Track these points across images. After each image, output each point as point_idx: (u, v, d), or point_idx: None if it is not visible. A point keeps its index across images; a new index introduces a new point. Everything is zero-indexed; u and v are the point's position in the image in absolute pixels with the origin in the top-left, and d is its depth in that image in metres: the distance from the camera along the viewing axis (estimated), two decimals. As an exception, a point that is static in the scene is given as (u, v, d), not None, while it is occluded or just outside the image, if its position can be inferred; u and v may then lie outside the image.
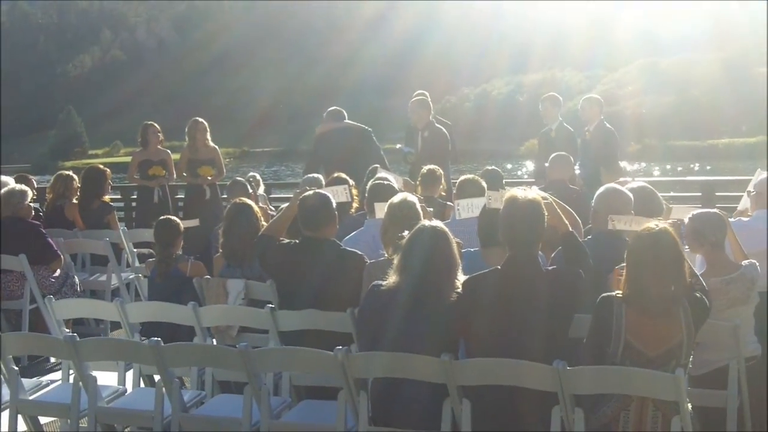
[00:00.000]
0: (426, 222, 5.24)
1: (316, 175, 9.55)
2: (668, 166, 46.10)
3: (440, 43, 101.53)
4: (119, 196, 15.17)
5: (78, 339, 5.43)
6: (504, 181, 9.50)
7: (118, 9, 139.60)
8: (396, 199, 6.06)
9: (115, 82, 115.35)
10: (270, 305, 6.12)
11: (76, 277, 9.42)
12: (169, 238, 7.58)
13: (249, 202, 7.27)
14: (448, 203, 8.59)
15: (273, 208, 9.77)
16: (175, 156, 12.50)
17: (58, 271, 9.14)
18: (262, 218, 7.16)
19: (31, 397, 5.90)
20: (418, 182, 8.89)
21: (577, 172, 10.42)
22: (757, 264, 5.84)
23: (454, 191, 8.11)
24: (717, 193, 12.21)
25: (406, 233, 5.19)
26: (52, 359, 8.38)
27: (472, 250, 5.90)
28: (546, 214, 5.06)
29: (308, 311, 5.93)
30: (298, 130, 66.98)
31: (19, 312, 8.94)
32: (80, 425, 5.62)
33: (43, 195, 11.74)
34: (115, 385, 6.19)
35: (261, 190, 11.91)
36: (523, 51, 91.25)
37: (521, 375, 4.62)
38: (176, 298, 6.73)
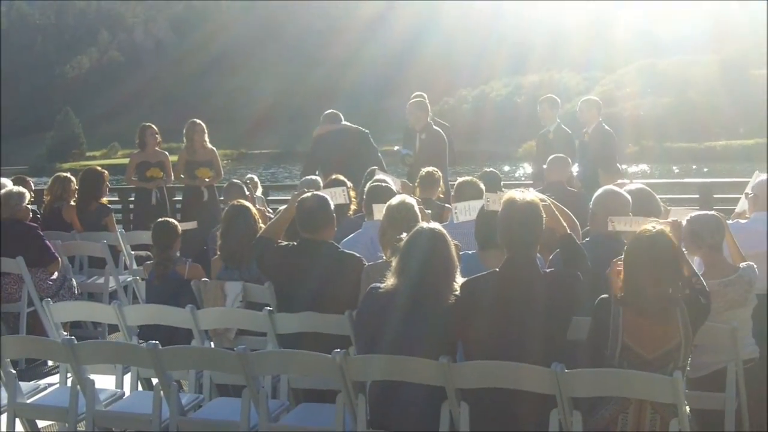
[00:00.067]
0: (424, 224, 5.22)
1: (314, 177, 9.54)
2: (675, 169, 46.08)
3: (438, 45, 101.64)
4: (117, 198, 15.18)
5: (76, 342, 5.43)
6: (502, 183, 9.50)
7: (116, 9, 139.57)
8: (394, 201, 6.06)
9: (113, 83, 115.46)
10: (268, 308, 6.11)
11: (73, 279, 9.42)
12: (167, 240, 7.57)
13: (247, 204, 7.26)
14: (446, 205, 8.58)
15: (271, 211, 9.77)
16: (172, 158, 12.50)
17: (56, 273, 9.14)
18: (260, 220, 7.15)
19: (28, 401, 5.89)
20: (416, 184, 8.88)
21: (575, 173, 10.42)
22: (755, 266, 5.85)
23: (452, 193, 8.10)
24: (714, 195, 12.21)
25: (404, 235, 5.18)
26: (50, 362, 8.37)
27: (469, 252, 5.89)
28: (544, 216, 5.06)
29: (306, 314, 5.92)
30: (296, 132, 67.05)
31: (16, 315, 8.93)
32: (78, 429, 5.62)
33: (40, 197, 11.72)
34: (112, 389, 6.19)
35: (259, 192, 11.92)
36: (522, 52, 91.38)
37: (519, 378, 4.62)
38: (174, 300, 6.71)
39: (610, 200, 6.01)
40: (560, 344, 4.89)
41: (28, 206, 9.32)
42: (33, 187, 11.24)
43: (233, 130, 77.83)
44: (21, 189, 9.31)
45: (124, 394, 6.11)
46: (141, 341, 6.15)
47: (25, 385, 6.04)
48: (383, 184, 7.46)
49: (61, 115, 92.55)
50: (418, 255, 5.00)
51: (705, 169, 44.80)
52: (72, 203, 10.66)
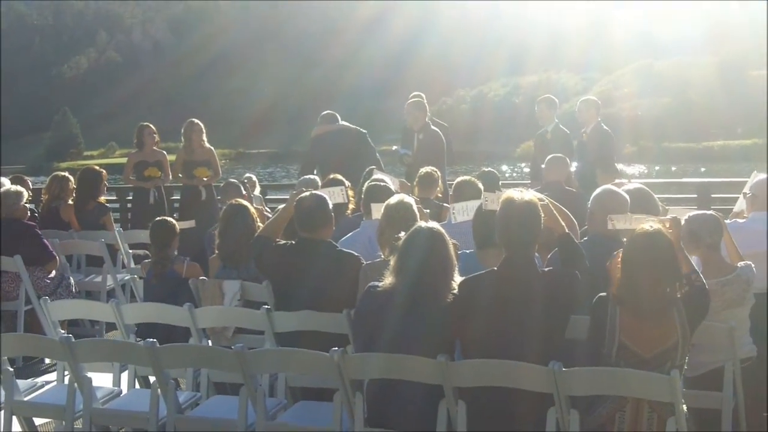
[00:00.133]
0: (422, 223, 5.23)
1: (312, 176, 9.54)
2: (673, 168, 46.14)
3: (436, 45, 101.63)
4: (115, 198, 15.17)
5: (73, 340, 5.43)
6: (501, 182, 9.50)
7: (114, 10, 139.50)
8: (392, 200, 6.06)
9: (111, 83, 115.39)
10: (266, 306, 6.12)
11: (71, 278, 9.41)
12: (164, 239, 7.58)
13: (245, 203, 7.26)
14: (445, 205, 8.58)
15: (269, 210, 9.76)
16: (170, 157, 12.49)
17: (54, 272, 9.13)
18: (258, 219, 7.15)
19: (26, 398, 5.89)
20: (414, 183, 8.88)
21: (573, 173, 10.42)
22: (753, 265, 5.85)
23: (451, 193, 8.10)
24: (713, 195, 12.22)
25: (402, 234, 5.18)
26: (47, 360, 8.38)
27: (467, 251, 5.89)
28: (542, 215, 5.06)
29: (304, 312, 5.92)
30: (294, 132, 67.03)
31: (14, 313, 8.91)
32: (75, 427, 5.61)
33: (38, 196, 11.72)
34: (110, 387, 6.19)
35: (257, 192, 11.91)
36: (520, 53, 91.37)
37: (517, 376, 4.62)
38: (172, 299, 6.72)
39: (609, 200, 6.01)
40: (558, 343, 4.89)
41: (26, 205, 9.31)
42: (31, 186, 11.24)
43: (231, 131, 77.75)
44: (19, 188, 9.30)
45: (121, 392, 6.12)
46: (138, 339, 6.16)
47: (22, 383, 6.05)
48: (381, 184, 7.46)
49: (59, 115, 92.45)
50: (416, 254, 5.00)
51: (702, 169, 44.83)
52: (70, 202, 10.67)
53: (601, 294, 4.88)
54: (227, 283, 6.76)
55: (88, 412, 5.54)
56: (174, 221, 7.86)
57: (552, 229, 5.31)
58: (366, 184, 7.59)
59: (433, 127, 11.32)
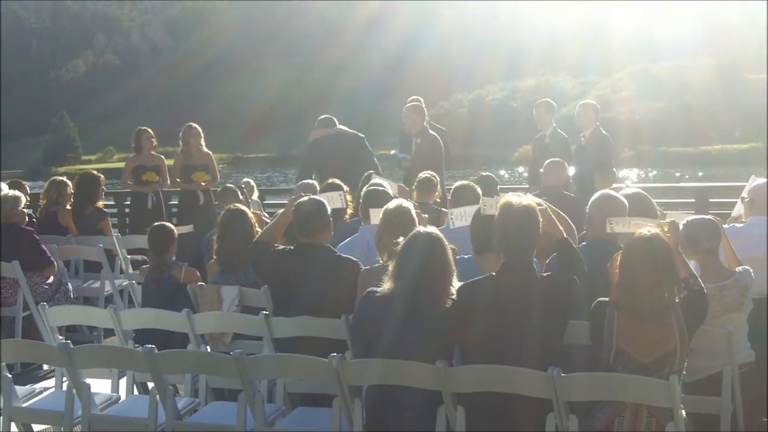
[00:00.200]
0: (421, 228, 5.22)
1: (310, 181, 9.53)
2: (676, 173, 46.15)
3: (434, 49, 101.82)
4: (113, 202, 15.16)
5: (71, 346, 5.42)
6: (499, 187, 9.50)
7: (112, 13, 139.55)
8: (391, 205, 6.06)
9: (109, 87, 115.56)
10: (264, 312, 6.11)
11: (69, 283, 9.40)
12: (163, 244, 7.57)
13: (243, 208, 7.25)
14: (443, 209, 8.58)
15: (267, 215, 9.76)
16: (168, 161, 12.49)
17: (52, 277, 9.12)
18: (257, 224, 7.15)
19: (24, 405, 5.88)
20: (413, 188, 8.88)
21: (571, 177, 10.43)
22: (752, 270, 5.85)
23: (449, 197, 8.10)
24: (710, 200, 12.22)
25: (401, 239, 5.18)
26: (46, 366, 8.36)
27: (465, 257, 5.89)
28: (541, 220, 5.06)
29: (302, 318, 5.92)
30: (292, 136, 67.06)
31: (12, 319, 8.90)
32: (74, 432, 5.62)
33: (36, 201, 11.71)
34: (108, 393, 6.18)
35: (255, 196, 11.91)
36: (518, 56, 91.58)
37: (516, 382, 4.62)
38: (170, 304, 6.70)
39: (607, 204, 6.01)
40: (557, 348, 4.89)
41: (24, 210, 9.30)
42: (29, 191, 11.23)
43: (230, 135, 77.83)
44: (16, 193, 9.29)
45: (119, 398, 6.11)
46: (137, 345, 6.15)
47: (20, 389, 6.03)
48: (380, 188, 7.46)
49: (56, 118, 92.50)
50: (415, 259, 4.99)
51: (700, 173, 44.88)
52: (68, 207, 10.65)
53: (600, 299, 4.88)
54: (225, 288, 6.76)
55: (87, 419, 5.53)
56: (172, 226, 7.86)
57: (550, 233, 5.31)
58: (364, 189, 7.59)
59: (431, 132, 11.31)
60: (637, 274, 4.70)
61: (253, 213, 7.44)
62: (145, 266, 7.85)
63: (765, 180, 7.04)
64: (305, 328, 5.91)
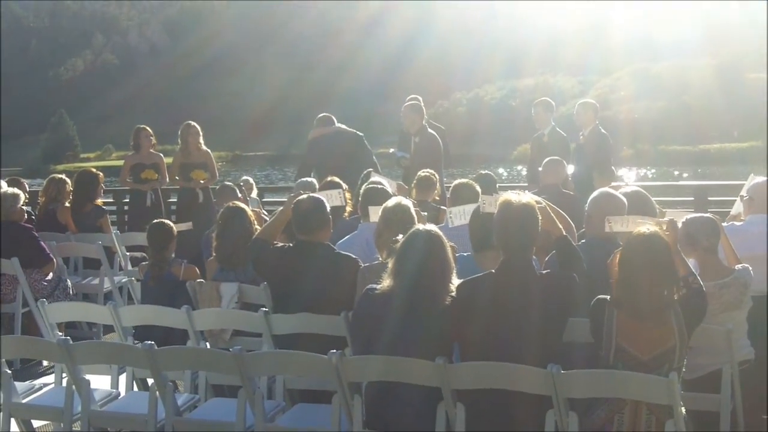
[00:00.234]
0: (420, 226, 5.22)
1: (310, 179, 9.54)
2: (675, 172, 46.15)
3: (433, 48, 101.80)
4: (112, 200, 15.14)
5: (71, 342, 5.42)
6: (498, 185, 9.50)
7: (110, 12, 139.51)
8: (390, 203, 6.06)
9: (107, 85, 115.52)
10: (264, 309, 6.12)
11: (68, 280, 9.41)
12: (162, 241, 7.57)
13: (242, 205, 7.26)
14: (442, 207, 8.59)
15: (266, 213, 9.76)
16: (167, 160, 12.50)
17: (51, 274, 9.12)
18: (256, 222, 7.15)
19: (24, 401, 5.89)
20: (412, 186, 8.88)
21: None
22: (751, 268, 5.86)
23: (448, 196, 8.10)
24: (709, 198, 12.23)
25: (400, 237, 5.18)
26: (45, 362, 8.36)
27: (465, 254, 5.89)
28: (540, 218, 5.06)
29: (302, 315, 5.92)
30: (291, 135, 67.06)
31: (11, 315, 8.91)
32: (73, 429, 5.62)
33: (35, 198, 11.71)
34: (108, 389, 6.19)
35: (254, 194, 11.91)
36: (517, 56, 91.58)
37: (515, 379, 4.62)
38: (169, 301, 6.72)
39: (606, 202, 6.02)
40: (556, 346, 4.90)
41: (23, 208, 9.30)
42: (28, 189, 11.22)
43: (228, 134, 77.81)
44: (15, 190, 9.30)
45: (119, 394, 6.12)
46: (136, 342, 6.15)
47: (20, 385, 6.04)
48: (379, 186, 7.47)
49: (55, 117, 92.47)
50: (414, 257, 4.99)
51: (698, 170, 44.90)
52: (67, 205, 10.65)
53: (599, 296, 4.89)
54: (225, 285, 6.76)
55: (87, 415, 5.53)
56: (171, 223, 7.86)
57: (549, 231, 5.32)
58: (363, 187, 7.60)
59: (429, 130, 11.31)
60: (636, 271, 4.71)
61: (252, 211, 7.44)
62: (144, 263, 7.85)
63: (764, 178, 7.05)
64: (305, 325, 5.92)
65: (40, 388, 6.18)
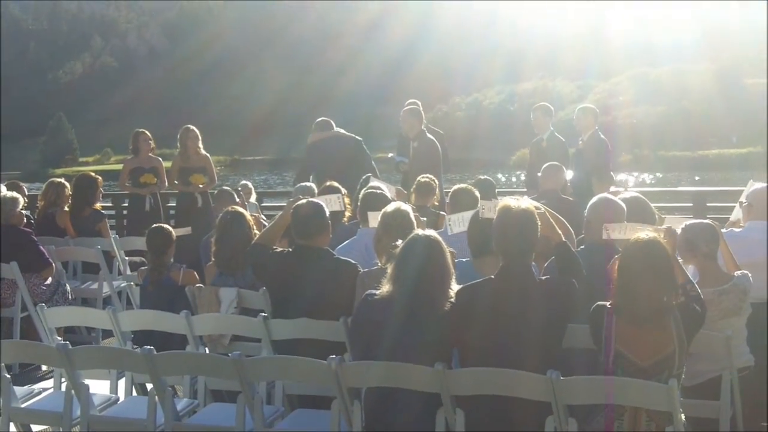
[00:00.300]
0: (420, 231, 5.23)
1: (309, 183, 9.53)
2: (672, 177, 46.16)
3: (433, 52, 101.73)
4: (110, 204, 15.16)
5: (70, 347, 5.42)
6: (497, 190, 9.50)
7: (109, 14, 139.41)
8: (389, 208, 6.06)
9: (106, 89, 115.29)
10: (263, 314, 6.11)
11: (67, 285, 9.40)
12: (161, 246, 7.57)
13: (241, 210, 7.25)
14: (441, 213, 8.59)
15: (264, 218, 9.76)
16: (166, 164, 12.50)
17: (50, 279, 9.11)
18: (255, 227, 7.14)
19: (23, 405, 5.89)
20: (411, 191, 8.88)
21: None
22: (750, 275, 5.85)
23: (447, 201, 8.10)
24: (708, 204, 12.23)
25: (399, 242, 5.18)
26: (44, 367, 8.35)
27: (464, 260, 5.89)
28: (539, 223, 5.06)
29: (301, 320, 5.92)
30: (291, 139, 66.97)
31: (10, 320, 8.90)
32: (72, 433, 5.62)
33: (34, 203, 11.70)
34: (107, 394, 6.18)
35: (252, 199, 11.91)
36: (516, 60, 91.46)
37: (515, 385, 4.62)
38: (168, 306, 6.70)
39: (605, 208, 6.01)
40: (556, 351, 4.90)
41: (22, 212, 9.30)
42: (26, 193, 11.21)
43: (228, 138, 77.72)
44: (14, 194, 9.29)
45: (118, 399, 6.11)
46: (135, 347, 6.15)
47: (19, 390, 6.04)
48: (378, 192, 7.47)
49: (54, 120, 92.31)
50: (413, 262, 5.00)
51: (696, 178, 44.89)
52: (66, 209, 10.64)
53: (599, 303, 4.89)
54: (224, 290, 6.76)
55: (86, 419, 5.53)
56: (170, 228, 7.86)
57: (549, 237, 5.32)
58: (362, 192, 7.59)
59: (428, 135, 11.30)
60: (635, 277, 4.71)
61: (251, 216, 7.44)
62: (143, 268, 7.84)
63: (764, 184, 7.04)
64: (304, 330, 5.91)
65: (39, 393, 6.18)
